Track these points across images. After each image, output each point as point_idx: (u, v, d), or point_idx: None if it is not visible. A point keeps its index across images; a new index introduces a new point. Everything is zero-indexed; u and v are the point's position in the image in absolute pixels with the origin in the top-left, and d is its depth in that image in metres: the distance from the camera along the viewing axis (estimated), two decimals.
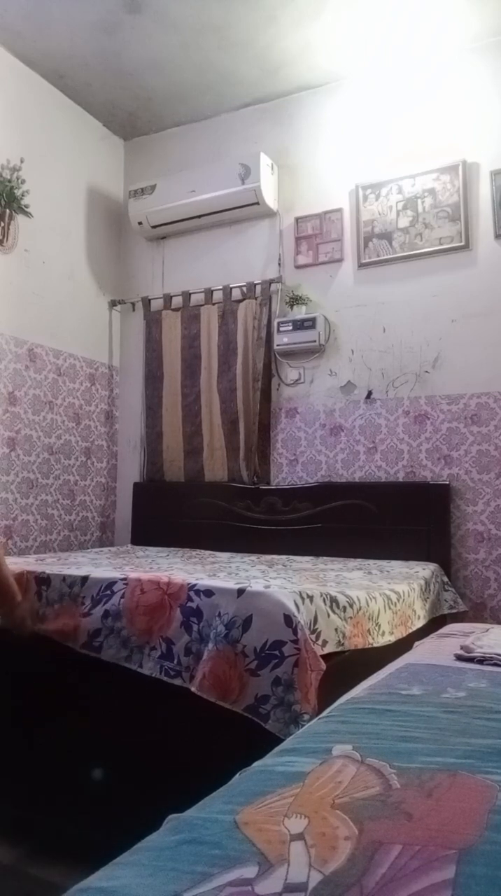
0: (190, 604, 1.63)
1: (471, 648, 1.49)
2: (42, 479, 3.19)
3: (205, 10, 2.78)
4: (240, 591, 1.58)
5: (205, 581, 1.68)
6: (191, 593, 1.64)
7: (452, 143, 2.95)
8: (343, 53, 3.04)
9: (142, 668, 1.64)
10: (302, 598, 1.58)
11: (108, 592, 1.75)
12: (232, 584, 1.62)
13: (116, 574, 1.80)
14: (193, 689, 1.54)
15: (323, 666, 1.50)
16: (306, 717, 1.40)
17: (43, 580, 1.88)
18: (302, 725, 1.35)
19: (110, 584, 1.76)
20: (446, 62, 3.01)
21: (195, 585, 1.65)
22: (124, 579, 1.76)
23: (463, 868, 0.61)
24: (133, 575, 1.77)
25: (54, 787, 1.78)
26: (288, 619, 1.50)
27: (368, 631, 1.81)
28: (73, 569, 1.92)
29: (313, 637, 1.55)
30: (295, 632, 1.48)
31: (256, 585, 1.61)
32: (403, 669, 1.39)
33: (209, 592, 1.62)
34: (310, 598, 1.61)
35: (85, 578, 1.81)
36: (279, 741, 1.09)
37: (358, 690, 1.27)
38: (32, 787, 1.83)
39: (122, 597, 1.72)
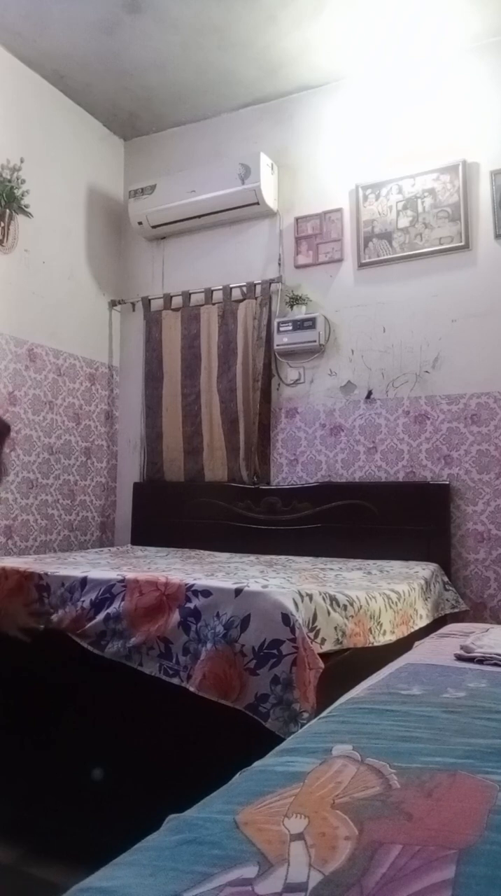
0: (188, 604, 1.63)
1: (471, 648, 1.49)
2: (42, 479, 3.19)
3: (205, 10, 2.78)
4: (238, 591, 1.58)
5: (202, 581, 1.68)
6: (189, 594, 1.64)
7: (452, 143, 2.95)
8: (343, 53, 3.04)
9: (142, 667, 1.65)
10: (301, 597, 1.58)
11: (108, 595, 1.75)
12: (229, 584, 1.62)
13: (114, 575, 1.80)
14: (192, 688, 1.54)
15: (322, 664, 1.50)
16: (305, 715, 1.40)
17: (42, 587, 1.87)
18: (302, 724, 1.35)
19: (109, 586, 1.76)
20: (446, 62, 3.01)
21: (193, 586, 1.65)
22: (122, 581, 1.76)
23: (463, 868, 0.61)
24: (130, 576, 1.77)
25: (54, 787, 1.78)
26: (286, 619, 1.50)
27: (369, 630, 1.81)
28: (71, 569, 1.92)
29: (312, 635, 1.55)
30: (292, 630, 1.48)
31: (254, 585, 1.61)
32: (403, 669, 1.39)
33: (207, 592, 1.62)
34: (309, 596, 1.61)
35: (84, 581, 1.81)
36: (279, 740, 1.09)
37: (358, 690, 1.27)
38: (32, 787, 1.83)
39: (123, 599, 1.72)
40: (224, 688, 1.50)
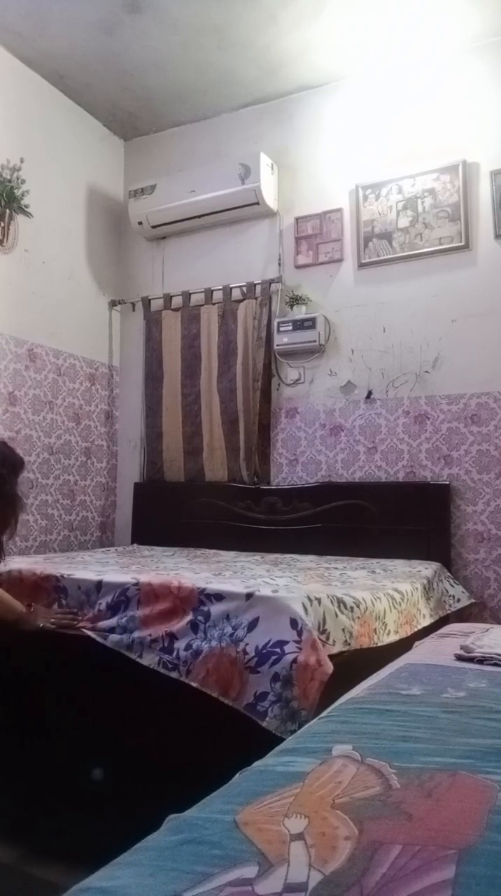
0: (201, 607, 1.64)
1: (471, 648, 1.49)
2: (42, 479, 3.19)
3: (205, 10, 2.78)
4: (249, 595, 1.59)
5: (214, 585, 1.68)
6: (202, 597, 1.65)
7: (452, 143, 2.95)
8: (343, 53, 3.04)
9: (141, 659, 1.65)
10: (310, 601, 1.58)
11: (123, 598, 1.76)
12: (241, 588, 1.62)
13: (128, 579, 1.80)
14: (195, 684, 1.54)
15: (330, 668, 1.47)
16: (304, 713, 1.39)
17: (60, 589, 1.88)
18: (301, 723, 1.35)
19: (124, 589, 1.77)
20: (446, 62, 3.01)
21: (205, 590, 1.66)
22: (136, 584, 1.76)
23: (463, 868, 0.61)
24: (144, 580, 1.78)
25: (54, 787, 1.78)
26: (294, 622, 1.50)
27: (375, 630, 1.82)
28: (85, 572, 1.91)
29: (323, 637, 1.55)
30: (299, 633, 1.49)
31: (264, 589, 1.62)
32: (403, 669, 1.39)
33: (219, 596, 1.63)
34: (318, 600, 1.62)
35: (99, 584, 1.82)
36: (279, 740, 1.09)
37: (358, 690, 1.27)
38: (32, 787, 1.83)
39: (139, 603, 1.73)
40: (225, 685, 1.50)
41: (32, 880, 1.59)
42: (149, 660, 1.64)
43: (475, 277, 2.89)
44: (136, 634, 1.68)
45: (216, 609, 1.61)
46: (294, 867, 0.62)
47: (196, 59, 3.10)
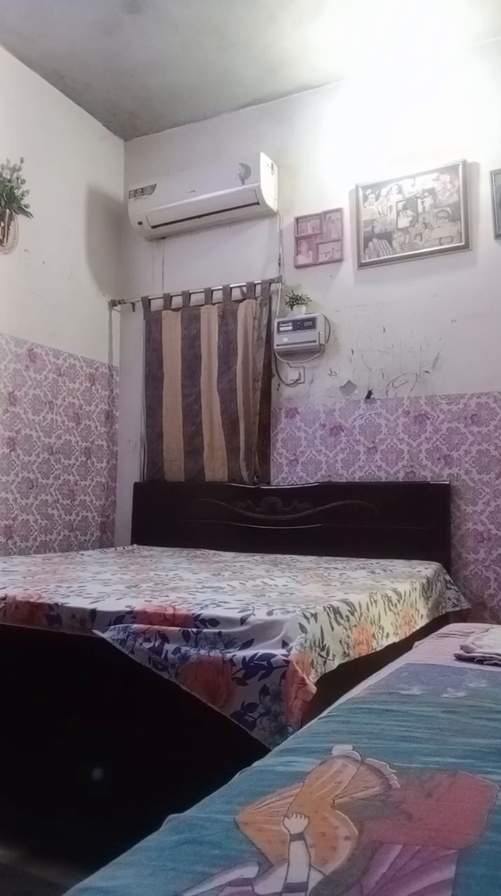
0: (193, 629, 1.64)
1: (471, 648, 1.49)
2: (42, 479, 3.19)
3: (205, 10, 2.78)
4: (243, 620, 1.59)
5: (209, 611, 1.67)
6: (197, 622, 1.65)
7: (452, 143, 2.95)
8: (343, 53, 3.04)
9: (133, 655, 1.65)
10: (307, 619, 1.58)
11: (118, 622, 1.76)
12: (236, 613, 1.62)
13: (122, 607, 1.79)
14: (185, 687, 1.54)
15: (313, 689, 1.48)
16: (290, 729, 1.40)
17: (53, 618, 1.87)
18: (288, 736, 1.34)
19: (118, 617, 1.76)
20: (446, 62, 3.01)
21: (200, 616, 1.66)
22: (131, 612, 1.76)
23: (463, 868, 0.61)
24: (138, 607, 1.77)
25: (54, 787, 1.78)
26: (285, 643, 1.50)
27: (373, 635, 1.82)
28: (77, 599, 1.90)
29: (323, 654, 1.55)
30: (289, 651, 1.48)
31: (260, 611, 1.62)
32: (403, 669, 1.39)
33: (214, 622, 1.63)
34: (315, 615, 1.62)
35: (93, 613, 1.81)
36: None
37: (358, 690, 1.27)
38: (32, 787, 1.83)
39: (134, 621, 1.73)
40: (212, 692, 1.51)
41: (32, 880, 1.59)
42: (139, 657, 1.64)
43: (475, 277, 2.89)
44: (133, 628, 1.69)
45: (210, 630, 1.62)
46: (294, 867, 0.62)
47: (196, 59, 3.10)
